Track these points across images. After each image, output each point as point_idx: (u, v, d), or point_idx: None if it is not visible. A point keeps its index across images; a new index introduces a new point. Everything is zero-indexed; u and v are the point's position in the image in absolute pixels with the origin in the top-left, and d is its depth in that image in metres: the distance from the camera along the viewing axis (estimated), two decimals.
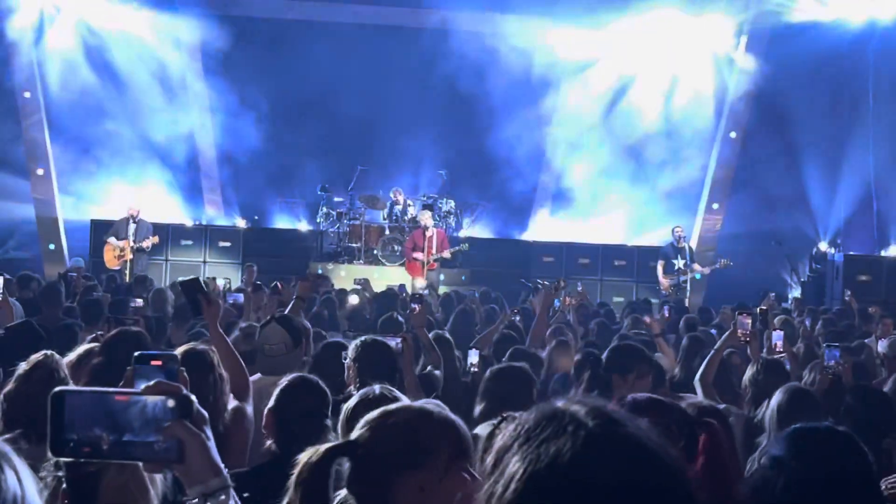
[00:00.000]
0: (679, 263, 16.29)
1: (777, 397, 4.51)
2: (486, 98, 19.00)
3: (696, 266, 16.52)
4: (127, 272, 15.14)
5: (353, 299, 10.35)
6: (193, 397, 1.63)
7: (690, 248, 16.83)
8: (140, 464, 1.68)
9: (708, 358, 5.90)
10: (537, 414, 1.28)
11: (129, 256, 15.32)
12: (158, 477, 2.09)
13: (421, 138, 18.93)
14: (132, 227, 15.61)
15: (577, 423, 1.24)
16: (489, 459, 1.28)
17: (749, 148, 19.19)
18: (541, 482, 1.20)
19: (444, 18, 18.13)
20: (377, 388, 3.17)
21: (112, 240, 15.54)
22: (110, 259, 15.40)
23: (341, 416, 3.04)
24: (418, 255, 15.48)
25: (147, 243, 15.50)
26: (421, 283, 14.95)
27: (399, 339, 5.24)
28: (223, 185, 20.21)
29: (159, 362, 2.88)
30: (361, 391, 3.18)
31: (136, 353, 2.92)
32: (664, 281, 16.39)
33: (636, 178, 19.81)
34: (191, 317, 7.55)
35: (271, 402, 3.76)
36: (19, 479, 1.30)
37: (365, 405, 2.98)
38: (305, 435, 3.57)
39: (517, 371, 4.92)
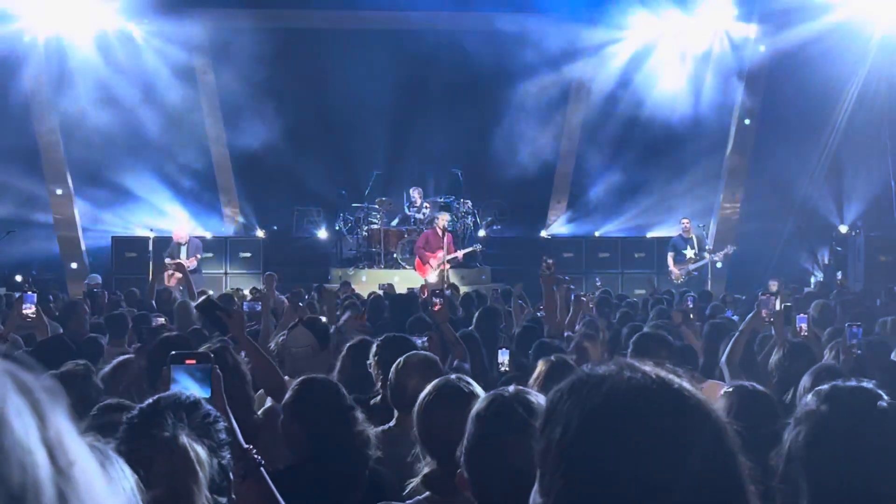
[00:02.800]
0: (689, 253, 16.80)
1: (806, 379, 4.49)
2: (501, 96, 19.10)
3: (706, 254, 16.81)
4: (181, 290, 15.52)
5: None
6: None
7: (699, 237, 17.15)
8: (190, 452, 1.74)
9: (733, 339, 5.91)
10: (570, 381, 1.32)
11: (180, 275, 15.62)
12: (206, 460, 2.14)
13: (435, 139, 18.98)
14: (183, 249, 16.33)
15: (600, 379, 1.28)
16: (542, 414, 1.32)
17: (764, 134, 19.11)
18: (597, 420, 1.23)
19: (454, 19, 18.18)
20: (453, 376, 3.17)
21: (168, 260, 15.95)
22: (169, 277, 15.62)
23: (416, 408, 3.05)
24: (432, 261, 15.62)
25: (189, 262, 15.94)
26: (434, 278, 15.07)
27: (425, 338, 5.27)
28: (241, 195, 20.32)
29: (193, 361, 2.94)
30: (436, 382, 3.14)
31: (171, 353, 2.97)
32: (675, 271, 16.84)
33: (653, 169, 19.80)
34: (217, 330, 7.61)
35: (289, 404, 3.74)
36: (125, 475, 1.34)
37: (442, 397, 3.02)
38: (334, 434, 3.59)
39: None
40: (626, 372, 1.28)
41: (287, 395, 3.76)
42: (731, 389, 3.59)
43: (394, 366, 4.13)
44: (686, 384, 1.29)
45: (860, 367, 5.49)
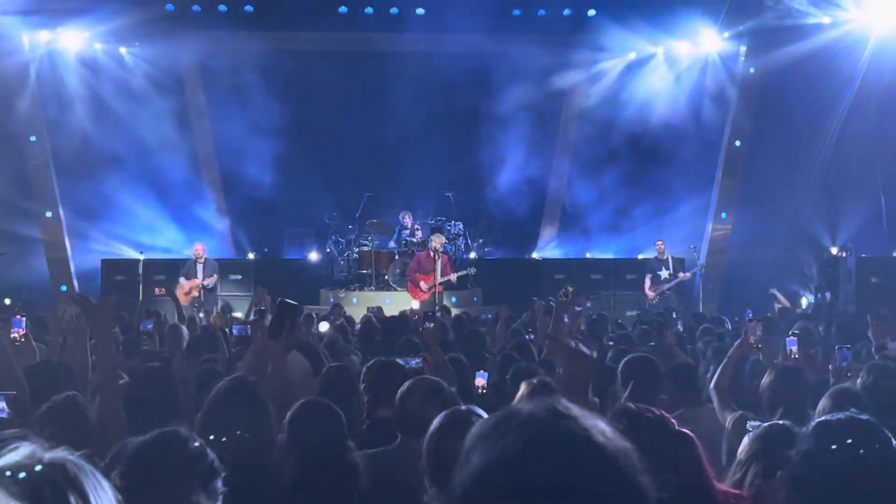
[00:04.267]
0: (664, 274, 17.09)
1: (825, 402, 4.49)
2: (491, 117, 19.19)
3: (681, 274, 17.11)
4: (197, 308, 15.55)
5: (323, 327, 10.33)
6: None
7: (673, 258, 17.36)
8: None
9: (721, 365, 5.93)
10: (499, 414, 1.38)
11: (196, 294, 16.09)
12: None
13: (426, 161, 19.03)
14: (199, 266, 16.41)
15: (528, 419, 1.32)
16: (461, 457, 1.36)
17: (755, 155, 19.21)
18: (488, 477, 1.29)
19: (444, 41, 18.27)
20: (463, 407, 3.19)
21: (182, 280, 16.19)
22: (182, 297, 15.54)
23: (427, 438, 3.05)
24: (423, 283, 15.59)
25: (208, 281, 16.32)
26: (418, 304, 15.01)
27: (418, 359, 5.28)
28: (231, 217, 20.30)
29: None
30: (448, 412, 3.16)
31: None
32: (650, 293, 17.14)
33: (644, 190, 19.92)
34: (204, 351, 7.62)
35: (289, 426, 3.72)
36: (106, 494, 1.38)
37: (453, 427, 3.02)
38: (326, 461, 3.59)
39: None
40: (550, 416, 1.33)
41: (288, 416, 3.75)
42: (760, 432, 3.59)
43: (401, 389, 4.16)
44: (601, 429, 1.32)
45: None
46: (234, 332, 9.28)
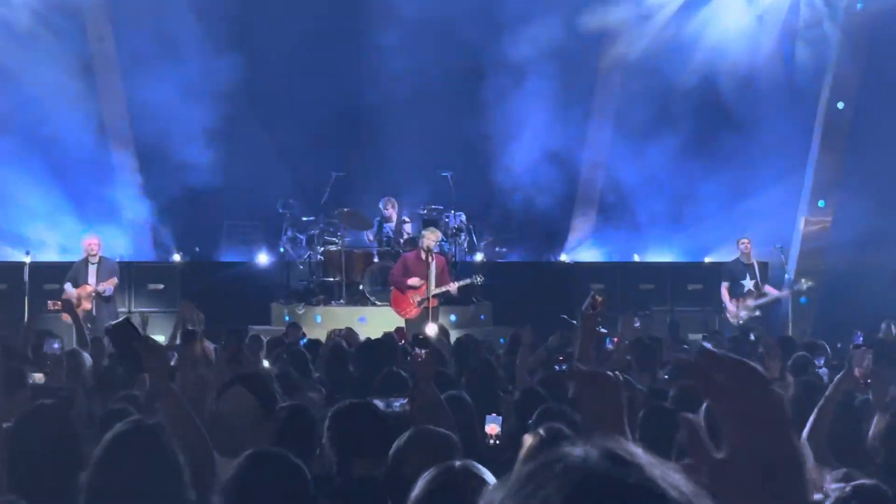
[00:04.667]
0: (749, 284, 16.92)
1: None
2: (504, 76, 19.15)
3: (769, 288, 17.05)
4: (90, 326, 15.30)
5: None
6: None
7: (759, 263, 17.36)
8: None
9: (817, 409, 5.94)
10: (538, 460, 1.37)
11: (88, 306, 15.56)
12: None
13: (417, 132, 19.02)
14: (91, 268, 16.08)
15: (576, 465, 1.32)
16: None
17: (864, 123, 19.21)
18: None
19: None
20: (458, 463, 3.23)
21: (68, 287, 15.79)
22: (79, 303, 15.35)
23: (412, 499, 3.09)
24: (414, 294, 15.49)
25: (104, 286, 15.92)
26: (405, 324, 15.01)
27: (403, 401, 5.28)
28: (150, 205, 20.25)
29: None
30: (437, 470, 3.20)
31: None
32: (732, 308, 16.94)
33: (713, 172, 19.87)
34: (123, 386, 7.61)
35: (231, 488, 3.75)
36: None
37: (445, 487, 3.07)
38: None
39: None
40: (606, 463, 1.32)
41: (230, 475, 3.78)
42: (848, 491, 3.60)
43: (396, 444, 4.15)
44: (672, 481, 1.32)
45: None
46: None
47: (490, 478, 3.15)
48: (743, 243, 17.30)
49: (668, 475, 1.32)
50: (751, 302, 16.80)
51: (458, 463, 3.24)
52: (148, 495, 3.60)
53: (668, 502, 1.28)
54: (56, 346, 9.54)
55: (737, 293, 16.99)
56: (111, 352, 10.45)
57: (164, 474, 3.82)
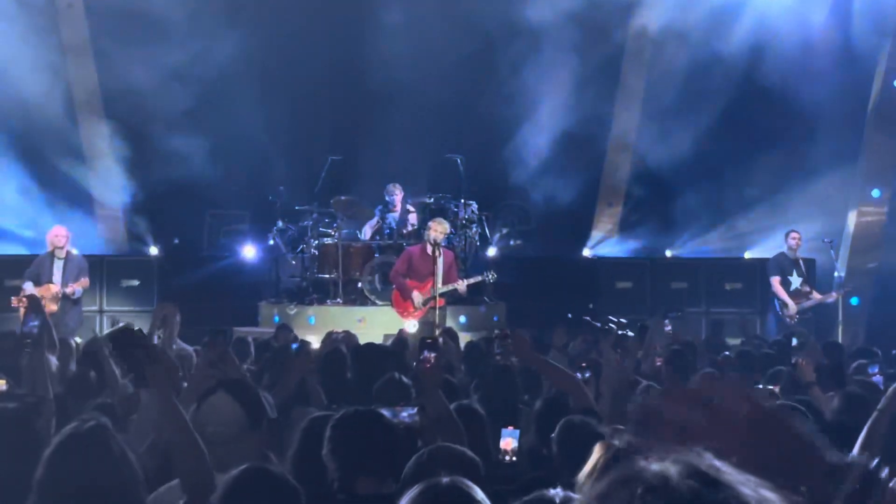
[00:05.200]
0: (796, 282, 17.03)
1: None
2: (521, 51, 19.16)
3: (816, 294, 17.11)
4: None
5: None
6: None
7: (804, 260, 17.50)
8: None
9: (871, 421, 5.92)
10: (611, 478, 1.36)
11: (54, 308, 15.34)
12: None
13: (423, 112, 19.03)
14: (58, 263, 16.04)
15: (657, 486, 1.30)
16: None
17: None
18: None
19: None
20: (445, 479, 3.22)
21: (28, 286, 15.69)
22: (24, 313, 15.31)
23: None
24: (416, 294, 15.49)
25: (72, 288, 15.85)
26: (413, 325, 15.00)
27: (413, 409, 5.27)
28: (124, 192, 20.26)
29: None
30: (423, 487, 3.20)
31: None
32: (791, 304, 16.88)
33: (754, 158, 19.88)
34: (94, 394, 7.61)
35: None
36: None
37: None
38: None
39: None
40: (690, 482, 1.30)
41: (217, 494, 3.82)
42: None
43: (410, 463, 4.15)
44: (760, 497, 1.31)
45: None
46: None
47: (481, 496, 3.13)
48: (793, 237, 17.27)
49: (760, 492, 1.31)
50: (806, 303, 16.81)
51: (445, 479, 3.23)
52: (96, 495, 3.63)
53: None
54: (34, 324, 9.46)
55: (785, 289, 17.02)
56: (80, 356, 10.49)
57: (113, 474, 3.93)
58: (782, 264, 17.22)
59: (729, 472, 1.32)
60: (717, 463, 1.32)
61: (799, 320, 16.61)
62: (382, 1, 18.78)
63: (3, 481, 4.36)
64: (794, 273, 17.07)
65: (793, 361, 9.32)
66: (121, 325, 5.39)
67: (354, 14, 19.21)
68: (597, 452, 4.49)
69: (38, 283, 15.74)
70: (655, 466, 1.32)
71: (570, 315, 14.95)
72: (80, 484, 3.76)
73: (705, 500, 1.28)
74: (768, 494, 1.31)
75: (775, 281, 17.12)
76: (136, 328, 5.25)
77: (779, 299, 17.07)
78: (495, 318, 17.32)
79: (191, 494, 4.15)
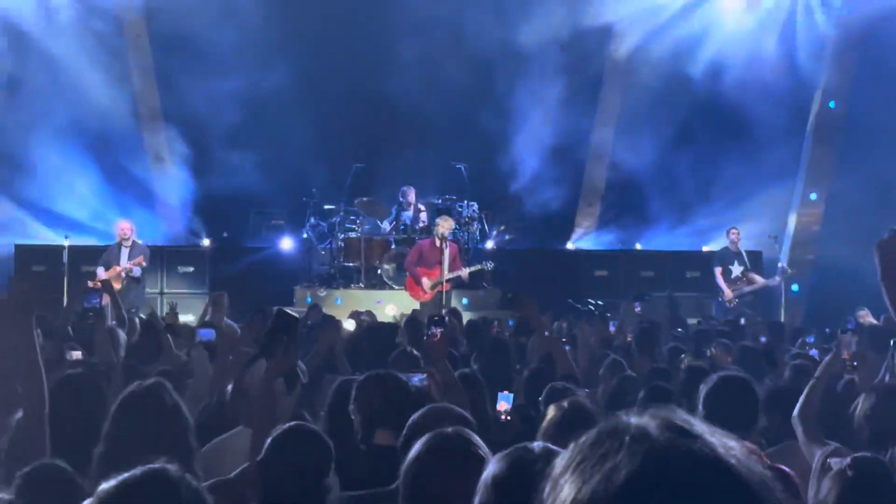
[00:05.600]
0: (737, 271, 17.07)
1: None
2: (515, 71, 19.13)
3: (755, 276, 17.12)
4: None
5: (349, 325, 10.38)
6: None
7: (748, 252, 17.46)
8: None
9: (808, 388, 5.94)
10: (598, 430, 1.35)
11: (118, 286, 14.83)
12: None
13: (433, 125, 19.05)
14: (124, 251, 15.98)
15: (640, 437, 1.30)
16: (546, 486, 1.35)
17: (856, 121, 19.15)
18: (628, 492, 1.25)
19: None
20: (450, 430, 3.22)
21: (99, 270, 15.69)
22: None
23: (403, 469, 3.11)
24: (426, 280, 15.46)
25: (130, 265, 15.74)
26: (429, 303, 15.01)
27: (423, 375, 5.30)
28: (181, 193, 20.33)
29: None
30: (428, 437, 3.19)
31: None
32: (728, 291, 16.95)
33: (712, 164, 19.85)
34: (153, 361, 7.66)
35: (260, 456, 3.84)
36: None
37: (437, 456, 3.07)
38: (296, 497, 3.68)
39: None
40: (668, 434, 1.30)
41: (267, 447, 3.86)
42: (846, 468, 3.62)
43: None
44: (731, 448, 1.31)
45: None
46: (200, 336, 9.33)
47: (480, 442, 3.13)
48: (734, 233, 17.40)
49: (725, 442, 1.32)
50: (745, 288, 16.85)
51: (450, 429, 3.22)
52: (154, 441, 3.68)
53: (731, 469, 1.28)
54: (95, 301, 9.52)
55: (726, 278, 17.08)
56: (142, 330, 10.52)
57: (168, 424, 3.98)
58: (724, 257, 17.31)
59: (698, 425, 1.32)
60: (688, 417, 1.33)
61: (740, 303, 16.74)
62: (398, 37, 18.72)
63: (75, 435, 4.39)
64: (736, 263, 17.14)
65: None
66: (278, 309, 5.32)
67: (376, 47, 19.19)
68: (551, 412, 4.56)
69: (108, 269, 15.74)
70: (635, 420, 1.33)
71: (570, 301, 14.91)
72: (139, 433, 3.81)
73: (679, 446, 1.28)
74: (731, 443, 1.31)
75: (717, 272, 17.20)
76: (297, 318, 5.26)
77: (719, 287, 17.15)
78: (491, 302, 17.32)
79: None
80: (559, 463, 1.35)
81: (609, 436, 1.31)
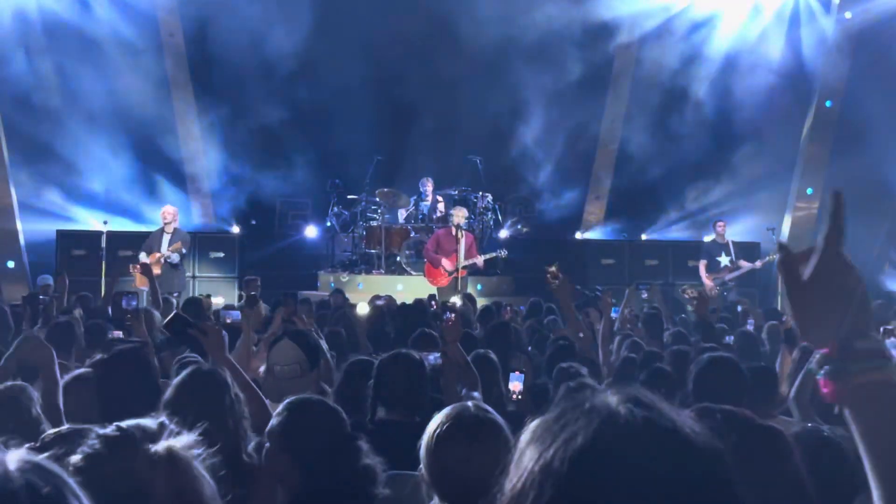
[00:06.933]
0: (724, 261, 17.09)
1: None
2: (528, 69, 19.12)
3: (744, 262, 17.09)
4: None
5: (362, 309, 10.43)
6: None
7: (735, 244, 17.41)
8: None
9: (804, 371, 5.97)
10: (562, 406, 1.38)
11: (158, 271, 14.78)
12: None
13: (450, 120, 19.08)
14: (166, 237, 15.81)
15: (600, 407, 1.33)
16: (514, 456, 1.37)
17: (850, 120, 19.10)
18: (551, 469, 1.28)
19: None
20: (470, 404, 3.27)
21: (142, 256, 15.58)
22: (139, 278, 15.17)
23: (425, 441, 3.16)
24: (445, 262, 15.47)
25: (170, 250, 15.50)
26: (447, 288, 15.06)
27: (437, 354, 5.34)
28: (212, 182, 20.42)
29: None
30: (449, 410, 3.23)
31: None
32: (708, 282, 17.03)
33: (714, 159, 19.85)
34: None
35: (276, 432, 3.81)
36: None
37: (458, 427, 3.13)
38: (332, 467, 3.69)
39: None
40: (627, 405, 1.33)
41: (273, 420, 3.82)
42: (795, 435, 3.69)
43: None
44: (685, 421, 1.34)
45: None
46: (228, 318, 9.42)
47: (496, 415, 3.20)
48: (719, 225, 17.43)
49: (685, 419, 1.33)
50: (727, 276, 16.88)
51: (471, 403, 3.27)
52: (208, 415, 3.73)
53: (685, 437, 1.29)
54: (133, 303, 9.67)
55: (714, 269, 17.07)
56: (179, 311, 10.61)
57: (223, 402, 4.01)
58: (710, 249, 17.33)
59: (657, 399, 1.34)
60: (651, 395, 1.34)
61: (733, 290, 16.83)
62: (418, 38, 18.77)
63: (126, 405, 4.47)
64: (723, 254, 17.14)
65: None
66: (173, 314, 5.56)
67: (398, 51, 19.18)
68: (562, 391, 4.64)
69: (149, 254, 15.64)
70: (602, 394, 1.35)
71: (577, 287, 14.93)
72: (197, 406, 3.83)
73: (636, 415, 1.30)
74: (690, 420, 1.32)
75: (702, 264, 17.22)
76: (182, 315, 5.45)
77: (700, 278, 17.18)
78: (503, 288, 17.36)
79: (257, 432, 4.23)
80: (524, 436, 1.37)
81: (572, 409, 1.34)
